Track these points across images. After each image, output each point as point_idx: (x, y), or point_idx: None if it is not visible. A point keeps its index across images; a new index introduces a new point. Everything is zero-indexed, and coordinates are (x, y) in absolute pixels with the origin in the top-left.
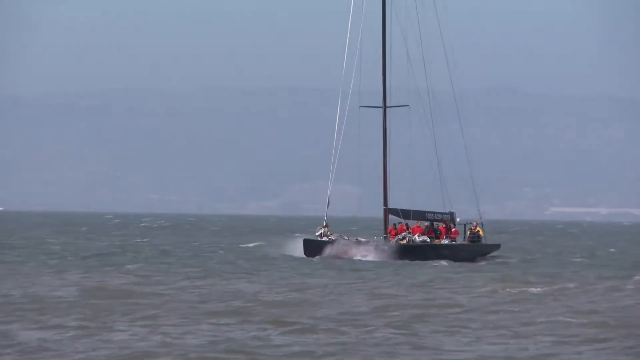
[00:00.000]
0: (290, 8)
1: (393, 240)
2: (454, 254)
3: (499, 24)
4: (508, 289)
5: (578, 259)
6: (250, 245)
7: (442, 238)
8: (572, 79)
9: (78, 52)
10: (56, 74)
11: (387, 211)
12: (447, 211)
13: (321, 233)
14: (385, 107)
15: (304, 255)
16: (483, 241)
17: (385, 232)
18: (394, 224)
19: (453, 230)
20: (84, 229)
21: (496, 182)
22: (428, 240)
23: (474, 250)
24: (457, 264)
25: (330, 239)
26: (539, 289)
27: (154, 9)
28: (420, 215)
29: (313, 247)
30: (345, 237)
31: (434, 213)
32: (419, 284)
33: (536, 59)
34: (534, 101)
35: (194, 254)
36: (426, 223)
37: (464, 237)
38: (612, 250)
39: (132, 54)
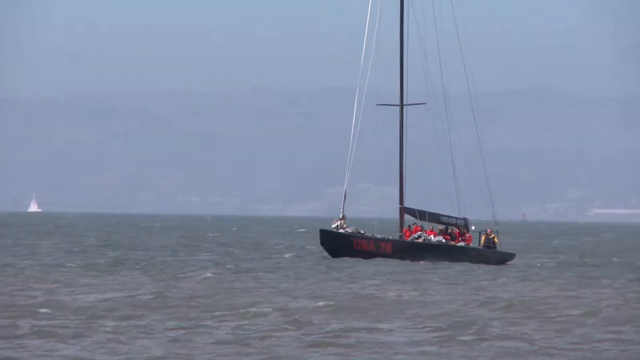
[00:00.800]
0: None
1: (408, 240)
2: (472, 257)
3: (529, 23)
4: None
5: None
6: None
7: (457, 242)
8: (614, 80)
9: (119, 54)
10: (98, 76)
11: (403, 210)
12: (461, 217)
13: (337, 225)
14: (402, 105)
15: (320, 245)
16: (498, 248)
17: (401, 231)
18: (409, 225)
19: (467, 236)
20: (234, 228)
21: (538, 184)
22: (444, 241)
23: (490, 256)
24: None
25: (346, 231)
26: None
27: (190, 11)
28: (435, 217)
29: (329, 238)
30: (362, 231)
31: (448, 217)
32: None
33: (576, 60)
34: (574, 102)
35: None
36: (440, 227)
37: (479, 244)
38: None
39: (174, 57)
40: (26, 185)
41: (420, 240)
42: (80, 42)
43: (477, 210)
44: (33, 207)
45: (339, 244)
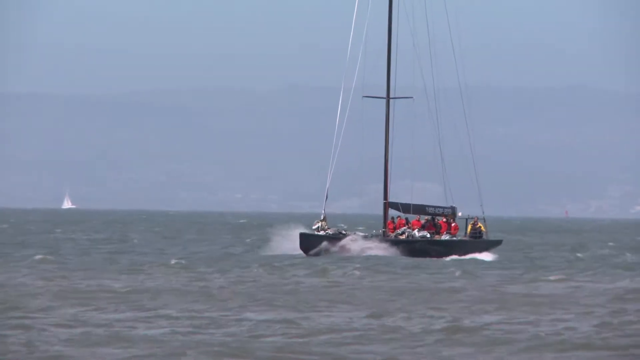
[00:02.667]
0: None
1: (392, 235)
2: (452, 250)
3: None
4: None
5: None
6: None
7: (443, 233)
8: None
9: (155, 52)
10: (135, 73)
11: (387, 205)
12: (448, 205)
13: (318, 227)
14: (388, 98)
15: (300, 250)
16: (485, 237)
17: (384, 226)
18: (392, 218)
19: (453, 225)
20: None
21: (579, 181)
22: (428, 235)
23: (474, 246)
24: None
25: (327, 233)
26: None
27: (224, 9)
28: (420, 209)
29: (309, 242)
30: (343, 232)
31: (435, 207)
32: None
33: (609, 55)
34: (612, 98)
35: None
36: (426, 217)
37: (465, 233)
38: None
39: (211, 54)
40: (64, 182)
41: (404, 237)
42: (116, 39)
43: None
44: (67, 204)
45: (319, 247)
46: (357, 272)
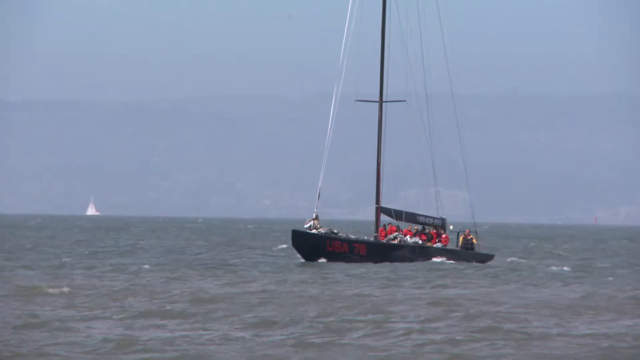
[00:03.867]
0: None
1: (384, 241)
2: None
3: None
4: None
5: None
6: None
7: (434, 242)
8: None
9: (188, 58)
10: (170, 80)
11: (379, 210)
12: (439, 217)
13: (310, 226)
14: (381, 101)
15: (292, 246)
16: (476, 249)
17: (376, 232)
18: (384, 225)
19: (443, 236)
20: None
21: (609, 188)
22: (420, 242)
23: (467, 256)
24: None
25: (319, 232)
26: None
27: (256, 17)
28: (411, 217)
29: (301, 239)
30: (335, 231)
31: (425, 217)
32: None
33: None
34: None
35: None
36: (416, 226)
37: (456, 244)
38: None
39: (245, 61)
40: (99, 189)
41: (396, 242)
42: (150, 47)
43: (458, 213)
44: (91, 211)
45: (312, 245)
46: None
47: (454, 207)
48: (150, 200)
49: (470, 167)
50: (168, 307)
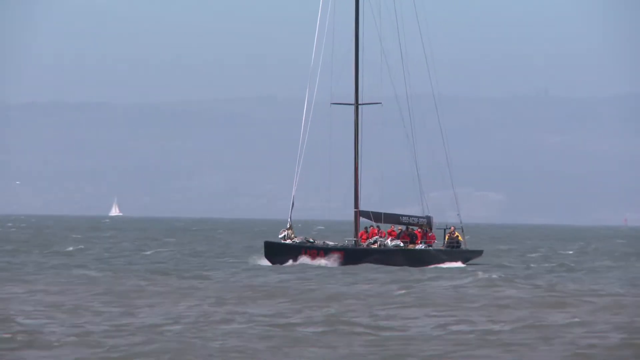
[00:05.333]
0: None
1: (364, 245)
2: (416, 259)
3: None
4: None
5: None
6: None
7: (418, 243)
8: None
9: (214, 60)
10: (194, 83)
11: (358, 213)
12: (423, 215)
13: (284, 236)
14: (357, 104)
15: (265, 259)
16: (462, 246)
17: (356, 235)
18: (365, 228)
19: (430, 235)
20: None
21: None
22: (401, 244)
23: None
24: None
25: (294, 241)
26: None
27: (285, 17)
28: (393, 218)
29: (274, 250)
30: (311, 240)
31: (409, 217)
32: None
33: None
34: None
35: None
36: (400, 227)
37: (443, 243)
38: None
39: (270, 64)
40: (125, 190)
41: (375, 246)
42: (173, 49)
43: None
44: (114, 211)
45: (286, 256)
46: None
47: (485, 208)
48: (175, 202)
49: (499, 169)
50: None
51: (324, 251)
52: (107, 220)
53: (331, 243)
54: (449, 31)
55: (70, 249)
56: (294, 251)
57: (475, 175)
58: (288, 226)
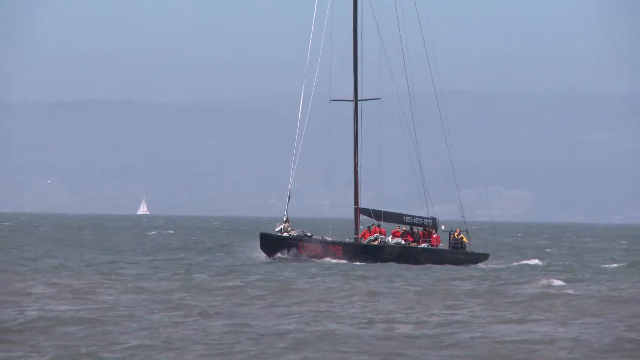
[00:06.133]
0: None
1: (365, 242)
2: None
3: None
4: None
5: None
6: None
7: (421, 243)
8: None
9: (246, 57)
10: (226, 80)
11: (358, 211)
12: (429, 216)
13: (281, 229)
14: (356, 100)
15: (261, 250)
16: (467, 249)
17: (356, 233)
18: (368, 227)
19: (434, 236)
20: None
21: None
22: (402, 243)
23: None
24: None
25: (291, 234)
26: None
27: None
28: (395, 217)
29: (270, 242)
30: (308, 234)
31: (413, 217)
32: None
33: None
34: None
35: None
36: (404, 227)
37: (448, 244)
38: None
39: (303, 58)
40: (156, 188)
41: (376, 243)
42: (206, 46)
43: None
44: (142, 210)
45: (282, 249)
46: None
47: (515, 206)
48: (206, 199)
49: (533, 166)
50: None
51: (322, 245)
52: (145, 220)
53: (329, 239)
54: (481, 26)
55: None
56: (289, 243)
57: (505, 173)
58: (285, 219)
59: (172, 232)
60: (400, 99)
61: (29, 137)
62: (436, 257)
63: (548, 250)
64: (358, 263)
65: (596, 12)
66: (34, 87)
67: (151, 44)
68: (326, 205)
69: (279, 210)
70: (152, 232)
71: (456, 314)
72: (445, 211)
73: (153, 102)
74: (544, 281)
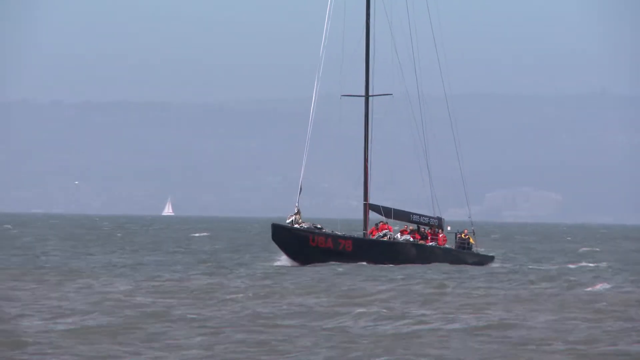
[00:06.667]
0: None
1: (373, 238)
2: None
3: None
4: None
5: None
6: None
7: (428, 242)
8: None
9: (275, 61)
10: (257, 83)
11: (368, 206)
12: (435, 216)
13: (292, 220)
14: (367, 96)
15: (272, 241)
16: (474, 250)
17: (365, 228)
18: (376, 224)
19: (441, 236)
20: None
21: None
22: (411, 239)
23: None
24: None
25: (302, 226)
26: None
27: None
28: (403, 215)
29: (282, 233)
30: (319, 226)
31: (420, 215)
32: None
33: None
34: None
35: None
36: (411, 226)
37: (454, 245)
38: None
39: (330, 63)
40: (185, 189)
41: (385, 239)
42: (237, 49)
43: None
44: (167, 211)
45: (293, 240)
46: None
47: (543, 207)
48: (235, 200)
49: (562, 168)
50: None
51: (332, 239)
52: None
53: (339, 233)
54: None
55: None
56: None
57: (534, 174)
58: (296, 211)
59: (206, 233)
60: (410, 99)
61: (58, 138)
62: (452, 257)
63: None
64: (364, 263)
65: (629, 12)
66: (63, 88)
67: (181, 46)
68: (355, 206)
69: (309, 212)
70: (196, 235)
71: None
72: (475, 211)
73: (184, 103)
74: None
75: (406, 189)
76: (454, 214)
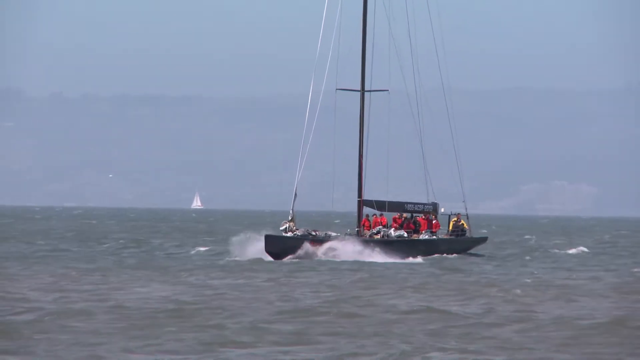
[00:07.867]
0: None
1: (366, 234)
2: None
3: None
4: None
5: None
6: None
7: (422, 232)
8: None
9: (307, 55)
10: (286, 76)
11: (361, 203)
12: (429, 202)
13: (286, 228)
14: (363, 90)
15: (265, 252)
16: (468, 234)
17: (359, 226)
18: (367, 215)
19: (434, 222)
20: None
21: None
22: (405, 235)
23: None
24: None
25: (295, 234)
26: None
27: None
28: (398, 206)
29: (276, 244)
30: (314, 232)
31: (414, 204)
32: None
33: None
34: None
35: None
36: (405, 215)
37: (447, 230)
38: None
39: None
40: (215, 183)
41: (378, 237)
42: (267, 43)
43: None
44: (196, 204)
45: (286, 249)
46: None
47: (578, 200)
48: (265, 194)
49: (596, 161)
50: None
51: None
52: (194, 215)
53: (333, 234)
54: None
55: None
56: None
57: (569, 168)
58: (290, 218)
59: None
60: (408, 95)
61: (92, 131)
62: (459, 245)
63: None
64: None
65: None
66: (96, 82)
67: (216, 40)
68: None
69: (342, 205)
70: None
71: None
72: (509, 204)
73: (216, 97)
74: None
75: (402, 184)
76: (453, 210)
